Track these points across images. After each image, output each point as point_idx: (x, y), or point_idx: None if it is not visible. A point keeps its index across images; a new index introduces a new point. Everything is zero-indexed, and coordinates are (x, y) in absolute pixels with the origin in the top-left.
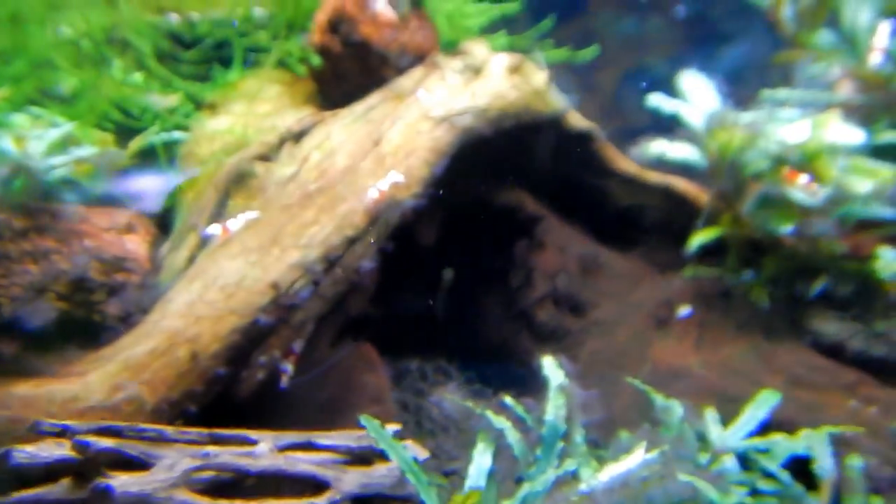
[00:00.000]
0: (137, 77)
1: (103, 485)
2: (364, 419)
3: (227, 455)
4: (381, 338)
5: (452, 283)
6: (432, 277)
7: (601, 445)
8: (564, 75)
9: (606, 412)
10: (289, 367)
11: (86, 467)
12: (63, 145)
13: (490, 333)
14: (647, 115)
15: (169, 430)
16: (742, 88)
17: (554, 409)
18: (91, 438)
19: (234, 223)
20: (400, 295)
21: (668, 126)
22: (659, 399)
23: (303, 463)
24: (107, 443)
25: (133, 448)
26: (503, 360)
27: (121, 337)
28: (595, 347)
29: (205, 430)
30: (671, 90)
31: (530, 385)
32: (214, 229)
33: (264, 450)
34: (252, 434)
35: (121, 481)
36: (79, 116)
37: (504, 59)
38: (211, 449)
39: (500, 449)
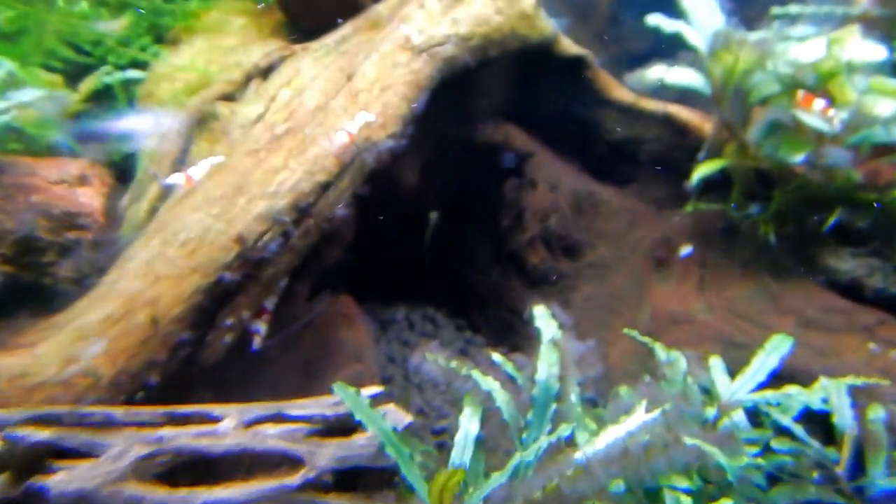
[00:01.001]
0: (84, 6)
1: (37, 485)
2: (338, 388)
3: (185, 437)
4: (363, 286)
5: (438, 225)
6: (416, 220)
7: (598, 400)
8: None
9: (603, 364)
10: (261, 327)
11: (25, 460)
12: (2, 89)
13: (479, 278)
14: (646, 40)
15: (118, 411)
16: (752, 10)
17: (546, 366)
18: (25, 430)
19: (197, 170)
20: (382, 240)
21: (669, 52)
22: (661, 351)
23: (272, 439)
24: (43, 434)
25: (74, 438)
26: (494, 306)
27: (74, 302)
28: (590, 291)
29: (160, 409)
30: (672, 13)
31: (523, 332)
32: (176, 178)
33: (228, 427)
34: (215, 409)
35: (58, 479)
36: (23, 55)
37: None
38: (166, 431)
39: (490, 412)
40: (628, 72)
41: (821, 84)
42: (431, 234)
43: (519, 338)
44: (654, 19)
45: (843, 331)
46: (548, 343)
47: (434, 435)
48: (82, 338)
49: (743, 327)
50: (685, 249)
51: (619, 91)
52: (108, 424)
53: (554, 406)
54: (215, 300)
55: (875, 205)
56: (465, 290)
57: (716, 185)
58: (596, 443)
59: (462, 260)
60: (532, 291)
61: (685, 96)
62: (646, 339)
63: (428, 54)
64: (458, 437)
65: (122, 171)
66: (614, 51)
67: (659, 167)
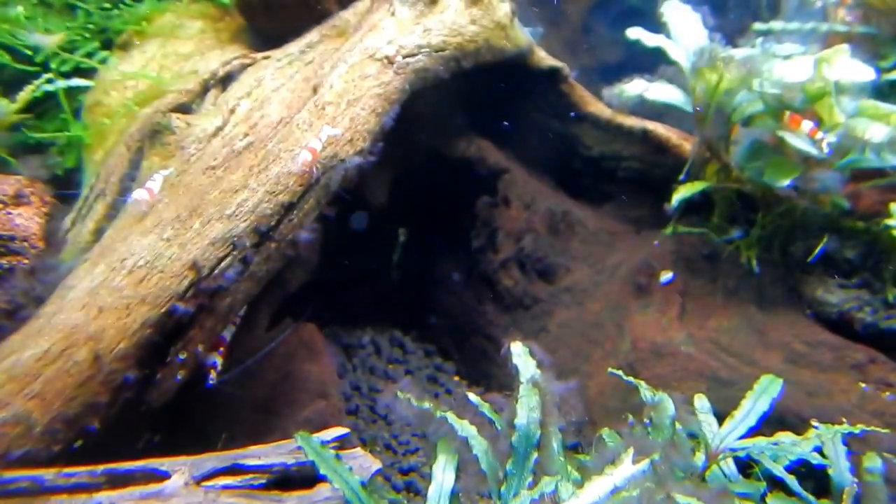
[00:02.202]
0: (19, 10)
1: None
2: (301, 439)
3: (127, 501)
4: (326, 309)
5: (406, 244)
6: (384, 239)
7: (580, 440)
8: (526, 5)
9: (584, 405)
10: (217, 360)
11: None
12: None
13: (449, 301)
14: (618, 51)
15: (49, 474)
16: (724, 19)
17: (525, 411)
18: None
19: (156, 185)
20: (347, 260)
21: (642, 64)
22: (647, 392)
23: (227, 495)
24: None
25: None
26: (465, 331)
27: (7, 337)
28: (566, 318)
29: (98, 467)
30: (646, 22)
31: (496, 360)
32: (139, 194)
33: (177, 485)
34: (163, 464)
35: None
36: None
37: None
38: (104, 496)
39: (466, 459)
40: (600, 82)
41: (808, 105)
42: (399, 253)
43: (492, 365)
44: (635, 33)
45: (833, 368)
46: (527, 384)
47: (402, 474)
48: (13, 379)
49: (728, 362)
50: (666, 276)
51: (596, 105)
52: (36, 491)
53: (535, 455)
54: (166, 334)
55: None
56: (435, 313)
57: (696, 207)
58: (581, 497)
59: (431, 281)
60: (505, 316)
61: (655, 112)
62: (631, 379)
63: (398, 66)
64: (432, 491)
65: (65, 186)
66: (586, 61)
67: (636, 185)
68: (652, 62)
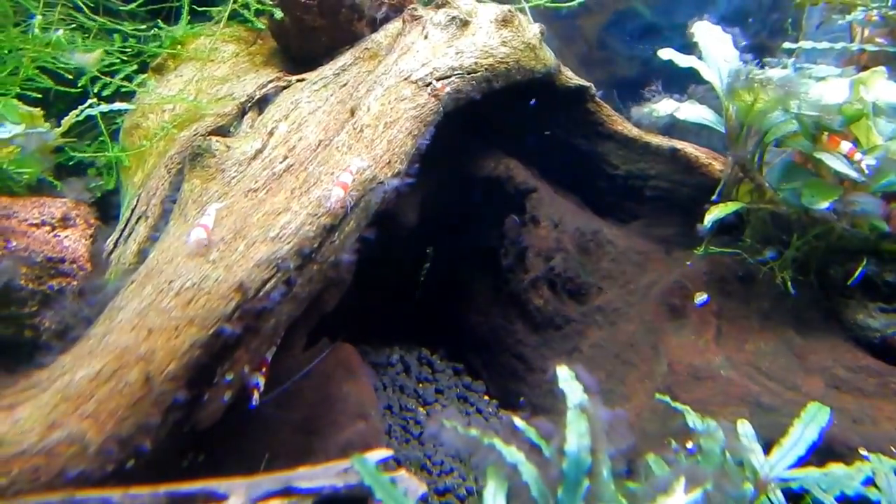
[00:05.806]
0: (62, 34)
1: None
2: (357, 462)
3: None
4: (357, 325)
5: (435, 262)
6: (412, 257)
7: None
8: (542, 21)
9: (631, 433)
10: (260, 381)
11: None
12: None
13: (477, 320)
14: (634, 65)
15: (116, 494)
16: (744, 35)
17: (576, 437)
18: None
19: (209, 219)
20: (376, 278)
21: (660, 78)
22: (695, 419)
23: None
24: None
25: None
26: (494, 351)
27: (58, 357)
28: (599, 338)
29: (161, 489)
30: (661, 37)
31: (527, 379)
32: (197, 234)
33: None
34: (221, 485)
35: None
36: None
37: (493, 11)
38: None
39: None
40: (615, 97)
41: (844, 126)
42: (428, 271)
43: (522, 385)
44: (667, 54)
45: (877, 395)
46: (575, 408)
47: (438, 495)
48: (67, 399)
49: (769, 387)
50: (700, 297)
51: (623, 124)
52: None
53: (586, 483)
54: (214, 355)
55: None
56: (463, 332)
57: (727, 227)
58: None
59: (459, 300)
60: (535, 336)
61: (670, 129)
62: (678, 406)
63: (433, 87)
64: None
65: (104, 207)
66: (600, 76)
67: (664, 204)
68: (668, 78)
